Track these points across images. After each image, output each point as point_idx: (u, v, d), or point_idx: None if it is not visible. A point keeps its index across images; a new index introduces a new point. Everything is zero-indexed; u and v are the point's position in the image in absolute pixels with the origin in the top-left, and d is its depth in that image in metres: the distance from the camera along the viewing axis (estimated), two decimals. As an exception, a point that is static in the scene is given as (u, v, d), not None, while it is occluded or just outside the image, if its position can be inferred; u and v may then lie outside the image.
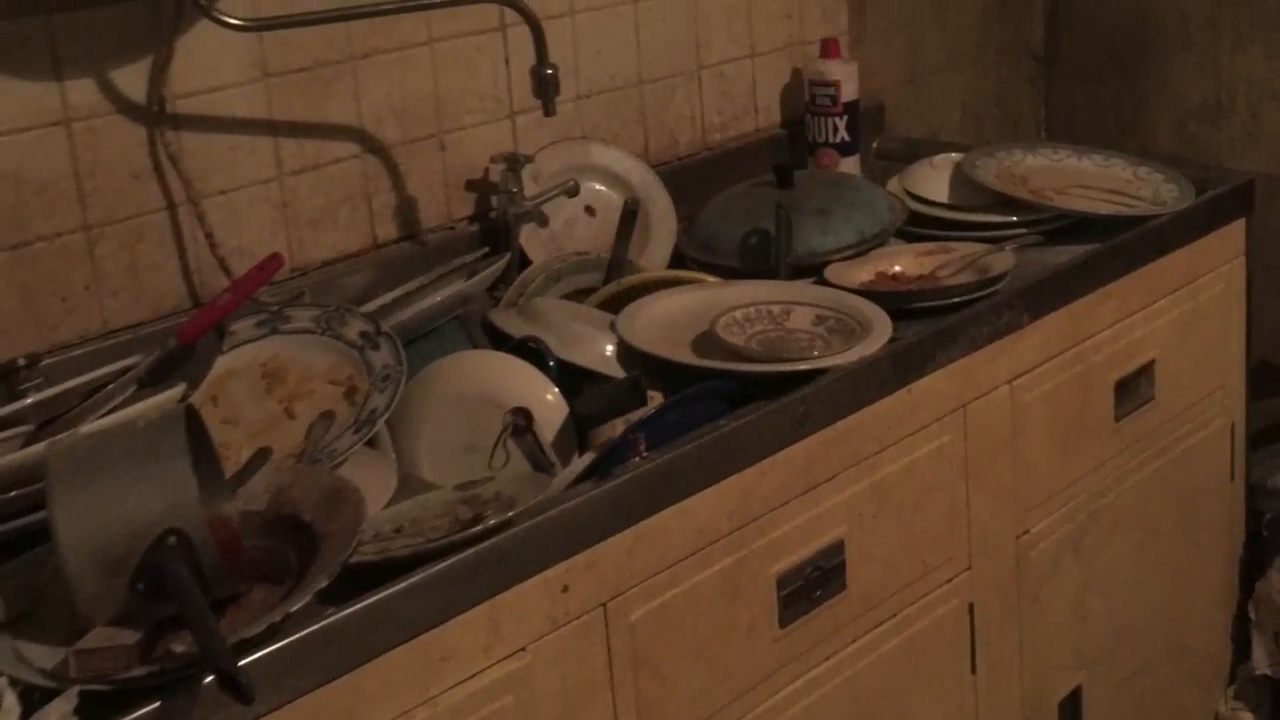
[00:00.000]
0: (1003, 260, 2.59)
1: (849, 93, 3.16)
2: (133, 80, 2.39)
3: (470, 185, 2.82)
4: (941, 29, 3.61)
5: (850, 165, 3.18)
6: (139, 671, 1.58)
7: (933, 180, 2.95)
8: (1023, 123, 3.82)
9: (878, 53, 3.47)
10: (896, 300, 2.48)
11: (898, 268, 2.67)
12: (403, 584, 1.76)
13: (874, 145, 3.38)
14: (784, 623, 2.22)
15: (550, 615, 1.93)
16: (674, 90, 3.11)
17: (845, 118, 3.16)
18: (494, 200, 2.80)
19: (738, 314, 2.40)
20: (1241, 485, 3.10)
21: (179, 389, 2.03)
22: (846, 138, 3.16)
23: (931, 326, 2.40)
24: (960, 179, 2.93)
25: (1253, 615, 3.10)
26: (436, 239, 2.76)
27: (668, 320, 2.43)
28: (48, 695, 1.57)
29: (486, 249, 2.74)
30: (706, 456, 2.08)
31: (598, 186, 2.92)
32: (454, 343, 2.39)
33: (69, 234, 2.34)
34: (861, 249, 2.71)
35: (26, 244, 2.29)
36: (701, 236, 2.83)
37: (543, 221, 2.79)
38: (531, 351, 2.31)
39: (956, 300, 2.49)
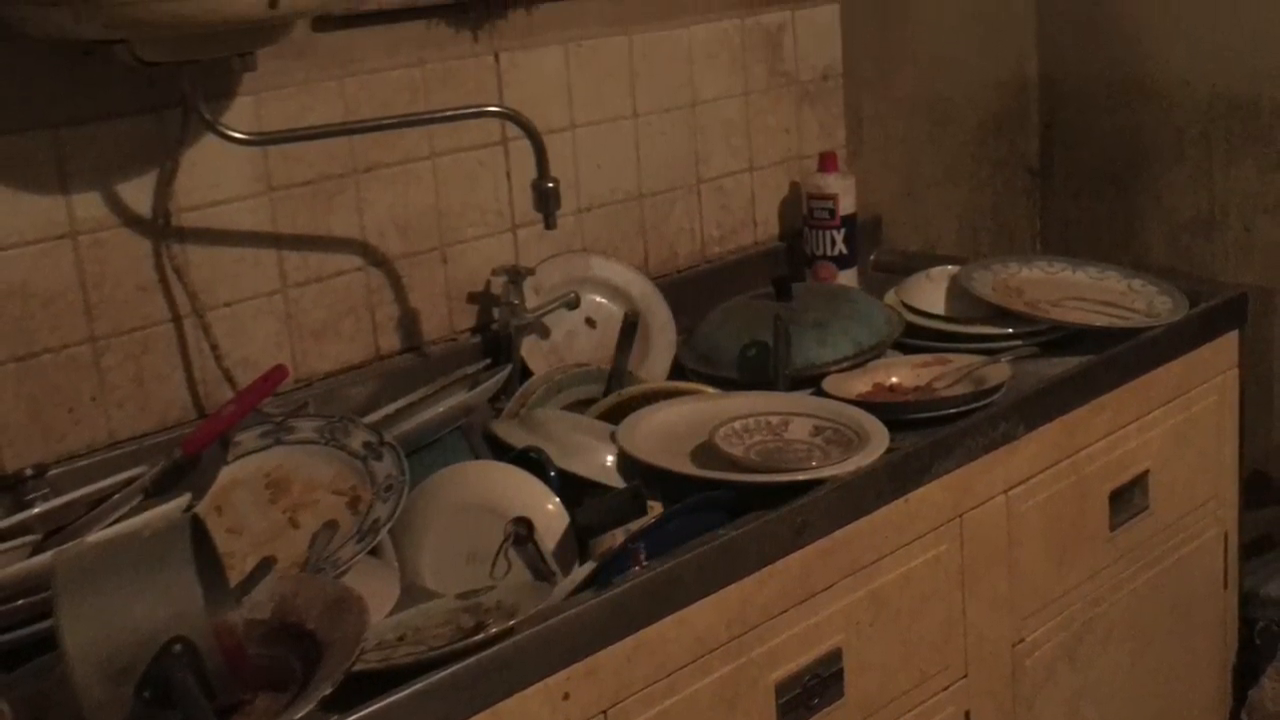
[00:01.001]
0: (999, 372, 2.61)
1: (847, 206, 3.19)
2: (139, 193, 2.41)
3: (472, 297, 2.85)
4: (938, 144, 3.65)
5: (848, 278, 3.21)
6: (145, 777, 1.59)
7: (929, 293, 2.97)
8: (1018, 236, 3.85)
9: (875, 167, 3.51)
10: (893, 411, 2.50)
11: (895, 379, 2.70)
12: (405, 692, 1.78)
13: (871, 258, 3.41)
14: (782, 730, 2.22)
15: (551, 723, 1.94)
16: (674, 204, 3.14)
17: (843, 231, 3.19)
18: (496, 312, 2.82)
19: (737, 425, 2.42)
20: (1235, 594, 3.11)
21: (184, 499, 2.05)
22: (844, 251, 3.19)
23: (928, 437, 2.42)
24: (957, 291, 2.96)
25: (1246, 722, 3.11)
26: (439, 350, 2.78)
27: (667, 431, 2.45)
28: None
29: (488, 360, 2.76)
30: (706, 566, 2.09)
31: (598, 299, 2.95)
32: (456, 453, 2.41)
33: (75, 345, 2.36)
34: (859, 360, 2.73)
35: (33, 355, 2.32)
36: (701, 348, 2.85)
37: (544, 333, 2.82)
38: (533, 462, 2.32)
39: (953, 411, 2.51)
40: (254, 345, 2.56)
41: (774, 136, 3.29)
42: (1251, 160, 3.42)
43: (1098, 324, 2.83)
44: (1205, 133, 3.48)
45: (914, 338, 2.87)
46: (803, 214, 3.23)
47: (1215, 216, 3.43)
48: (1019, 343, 2.79)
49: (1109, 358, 2.73)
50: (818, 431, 2.44)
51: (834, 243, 3.18)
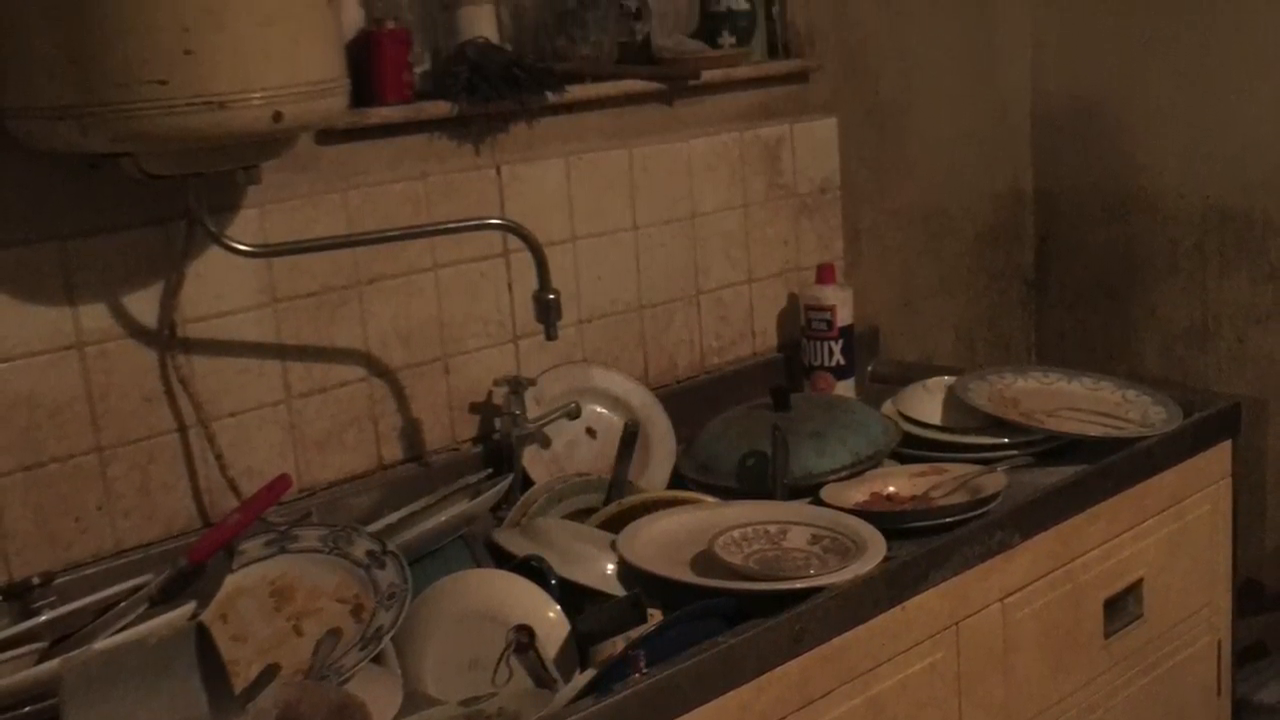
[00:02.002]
0: (995, 481, 2.63)
1: (844, 317, 3.22)
2: (144, 304, 2.44)
3: (474, 407, 2.87)
4: (935, 256, 3.69)
5: (845, 388, 3.23)
6: None
7: (926, 403, 3.00)
8: (1014, 347, 3.88)
9: (872, 278, 3.55)
10: (891, 520, 2.52)
11: (892, 488, 2.72)
12: (410, 796, 1.79)
13: (869, 368, 3.44)
14: (782, 835, 2.23)
15: (552, 827, 1.95)
16: (673, 315, 3.17)
17: (840, 342, 3.21)
18: (497, 422, 2.84)
19: (735, 533, 2.44)
20: (1228, 701, 3.11)
21: (189, 607, 2.07)
22: (842, 361, 3.22)
23: (925, 546, 2.44)
24: (953, 401, 2.98)
25: (1240, 830, 3.11)
26: (441, 460, 2.81)
27: (667, 539, 2.46)
28: None
29: (490, 470, 2.77)
30: (705, 673, 2.10)
31: (599, 409, 2.97)
32: (458, 561, 2.42)
33: (82, 455, 2.39)
34: (856, 470, 2.75)
35: (40, 465, 2.34)
36: (700, 458, 2.87)
37: (545, 443, 2.84)
38: (534, 570, 2.33)
39: (949, 520, 2.52)
40: (258, 455, 2.58)
41: (772, 248, 3.32)
42: (1244, 272, 3.46)
43: (1092, 434, 2.85)
44: (1199, 244, 3.52)
45: (911, 447, 2.89)
46: (801, 325, 3.26)
47: (1209, 327, 3.46)
48: (1015, 452, 2.81)
49: (1104, 467, 2.75)
50: (816, 540, 2.45)
51: (832, 353, 3.21)
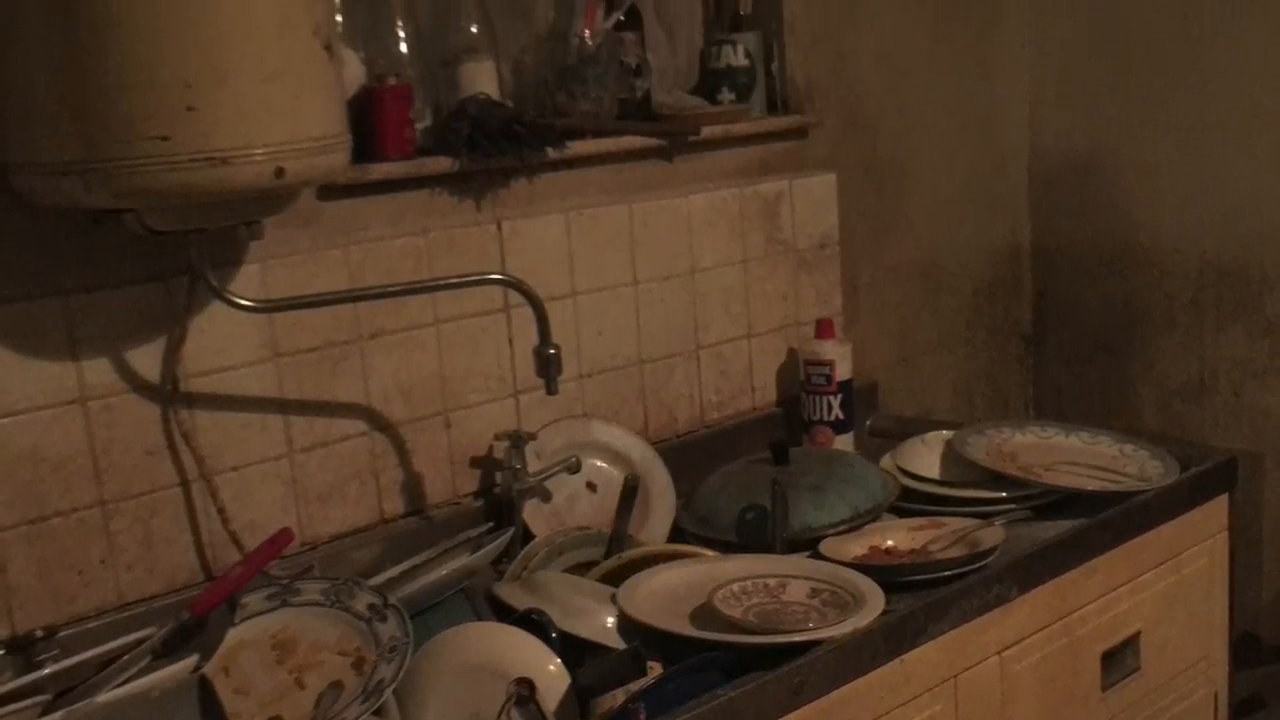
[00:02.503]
0: (993, 535, 2.64)
1: (843, 372, 3.23)
2: (147, 359, 2.45)
3: (475, 461, 2.89)
4: (933, 311, 3.71)
5: (844, 442, 3.24)
6: None
7: (924, 457, 3.01)
8: (1012, 401, 3.90)
9: (871, 333, 3.56)
10: (889, 574, 2.53)
11: (890, 542, 2.72)
12: None
13: (867, 423, 3.45)
14: None
15: None
16: (673, 370, 3.19)
17: (839, 396, 3.23)
18: (498, 476, 2.85)
19: (735, 587, 2.44)
20: (1225, 753, 3.12)
21: (192, 660, 2.07)
22: (841, 415, 3.23)
23: (923, 599, 2.44)
24: (951, 456, 2.99)
25: None
26: (442, 514, 2.82)
27: (667, 593, 2.47)
28: None
29: (491, 524, 2.79)
30: (704, 726, 2.11)
31: (599, 463, 2.98)
32: (459, 615, 2.43)
33: (85, 509, 2.40)
34: (855, 524, 2.76)
35: (44, 519, 2.35)
36: (700, 511, 2.88)
37: (545, 497, 2.85)
38: (535, 623, 2.34)
39: (948, 574, 2.53)
40: (260, 509, 2.60)
41: (772, 303, 3.34)
42: (1241, 327, 3.48)
43: (1090, 488, 2.86)
44: (1195, 300, 3.54)
45: (909, 501, 2.90)
46: (800, 379, 3.27)
47: (1205, 382, 3.48)
48: (1013, 506, 2.82)
49: (1101, 521, 2.76)
50: (815, 593, 2.46)
51: (830, 408, 3.22)
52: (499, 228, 2.86)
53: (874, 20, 3.50)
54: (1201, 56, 3.41)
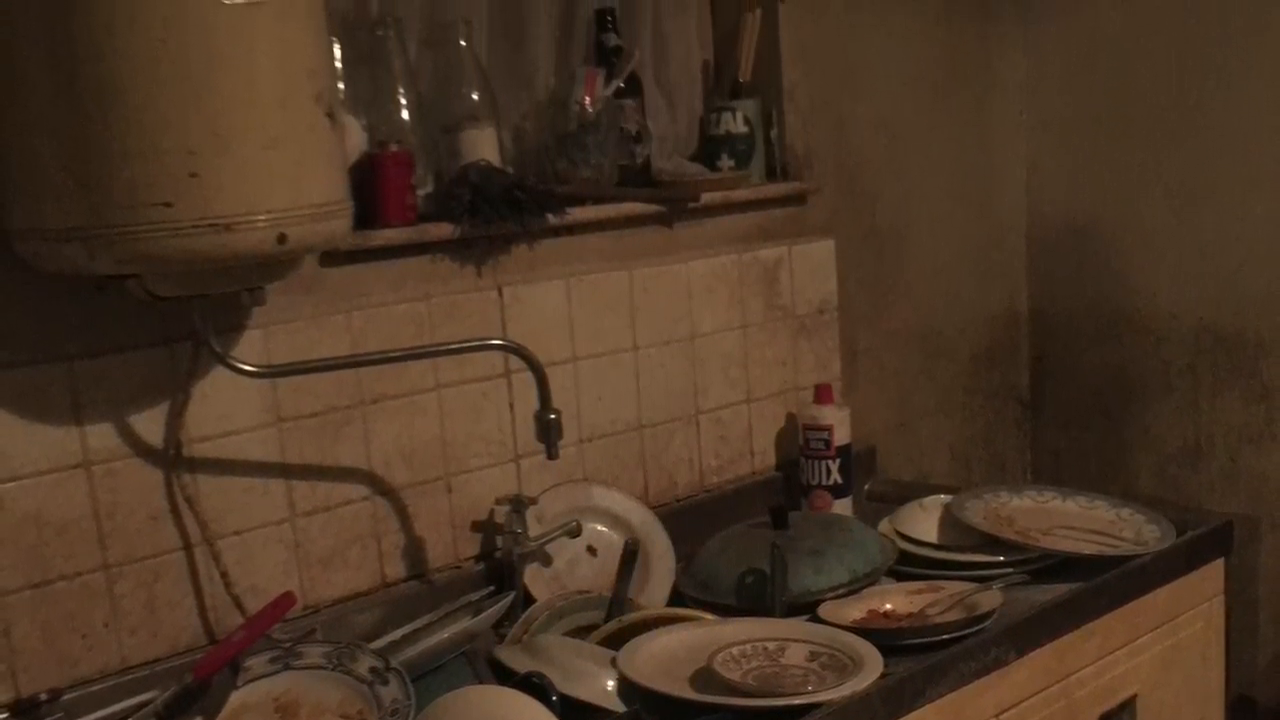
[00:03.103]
0: (990, 599, 2.65)
1: (841, 437, 3.24)
2: (151, 424, 2.46)
3: (476, 526, 2.90)
4: (931, 376, 3.73)
5: (843, 506, 3.25)
6: None
7: (923, 521, 3.02)
8: (1009, 466, 3.91)
9: (870, 398, 3.58)
10: (888, 637, 2.53)
11: (889, 606, 2.73)
12: None
13: (866, 487, 3.46)
14: None
15: None
16: (673, 435, 3.21)
17: (838, 461, 3.24)
18: (499, 540, 2.86)
19: (734, 650, 2.45)
20: (1222, 818, 3.12)
21: (195, 722, 2.09)
22: (839, 480, 3.24)
23: (921, 663, 2.45)
24: (949, 520, 3.01)
25: None
26: (443, 578, 2.83)
27: (667, 656, 2.48)
28: None
29: (492, 587, 2.81)
30: (704, 788, 2.12)
31: (599, 527, 2.99)
32: (460, 678, 2.43)
33: (89, 573, 2.41)
34: (854, 588, 2.77)
35: (48, 583, 2.36)
36: (700, 575, 2.89)
37: (546, 561, 2.87)
38: (535, 687, 2.34)
39: (946, 637, 2.54)
40: (263, 573, 2.61)
41: (771, 369, 3.36)
42: (1237, 392, 3.49)
43: (1087, 552, 2.87)
44: (1192, 365, 3.56)
45: (908, 565, 2.91)
46: (799, 444, 3.29)
47: (1201, 447, 3.49)
48: (1010, 570, 2.82)
49: (1098, 585, 2.76)
50: (813, 657, 2.47)
51: (829, 472, 3.23)
52: (500, 293, 2.88)
53: (873, 88, 3.53)
54: (1197, 123, 3.44)
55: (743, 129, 3.29)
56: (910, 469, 3.66)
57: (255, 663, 2.34)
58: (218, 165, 2.12)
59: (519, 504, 2.81)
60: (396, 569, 2.79)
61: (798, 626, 2.60)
